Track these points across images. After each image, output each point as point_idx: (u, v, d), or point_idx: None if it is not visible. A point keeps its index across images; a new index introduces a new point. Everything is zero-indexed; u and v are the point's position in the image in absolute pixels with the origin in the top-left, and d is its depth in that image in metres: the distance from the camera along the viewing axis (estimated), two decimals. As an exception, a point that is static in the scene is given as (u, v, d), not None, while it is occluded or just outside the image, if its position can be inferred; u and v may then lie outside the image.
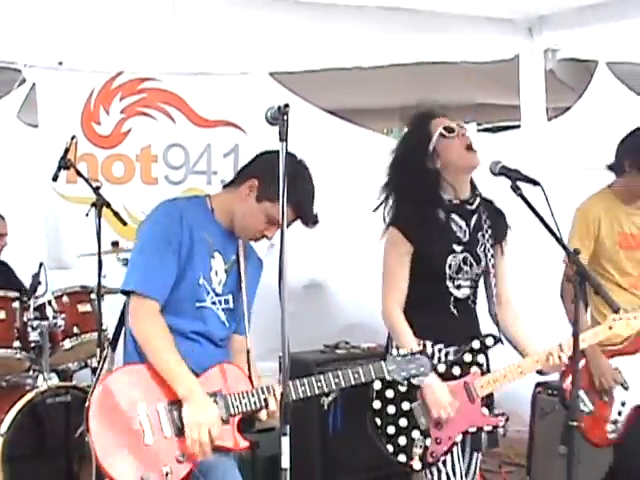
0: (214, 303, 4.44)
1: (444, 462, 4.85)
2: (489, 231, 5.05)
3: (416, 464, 4.79)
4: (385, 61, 9.10)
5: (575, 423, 4.29)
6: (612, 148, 6.36)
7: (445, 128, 4.88)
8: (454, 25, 8.13)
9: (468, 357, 4.89)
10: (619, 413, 5.81)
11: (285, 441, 3.92)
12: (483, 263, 5.05)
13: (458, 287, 4.99)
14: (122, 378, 4.33)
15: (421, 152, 4.91)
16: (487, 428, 4.92)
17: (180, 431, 4.19)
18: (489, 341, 4.93)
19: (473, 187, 5.05)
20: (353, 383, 4.37)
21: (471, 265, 5.01)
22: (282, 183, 3.86)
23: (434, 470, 4.86)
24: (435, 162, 4.89)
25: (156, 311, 4.29)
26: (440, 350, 4.95)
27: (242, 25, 7.52)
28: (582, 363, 5.70)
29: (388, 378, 4.37)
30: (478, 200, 5.05)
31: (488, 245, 5.04)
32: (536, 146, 8.46)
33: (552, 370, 4.95)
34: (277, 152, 4.18)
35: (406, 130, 5.20)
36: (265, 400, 4.30)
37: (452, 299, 5.00)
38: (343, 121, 8.92)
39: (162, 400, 4.21)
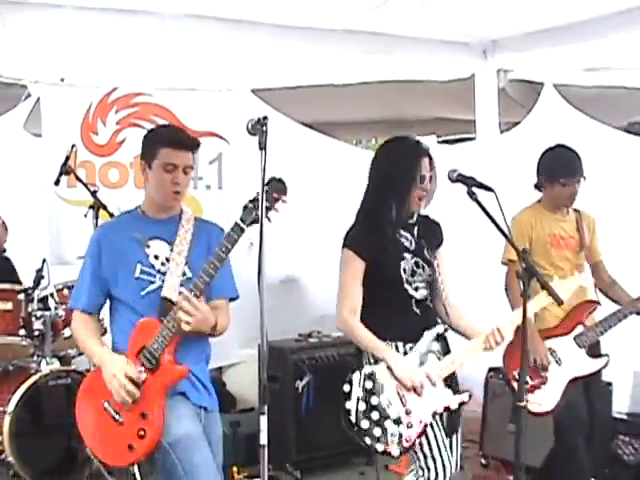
0: (164, 281, 4.47)
1: (429, 446, 4.87)
2: (427, 240, 5.14)
3: (394, 451, 4.75)
4: (355, 79, 9.13)
5: (523, 404, 4.31)
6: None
7: (421, 177, 4.93)
8: (417, 47, 8.13)
9: (423, 347, 4.90)
10: (555, 387, 5.88)
11: (264, 420, 3.93)
12: (432, 265, 5.09)
13: (416, 289, 5.01)
14: (92, 377, 4.61)
15: (397, 181, 4.96)
16: (454, 406, 4.89)
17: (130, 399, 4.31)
18: (440, 329, 4.94)
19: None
20: (223, 256, 4.36)
21: (423, 267, 5.05)
22: (261, 188, 3.86)
23: (420, 455, 4.88)
24: (400, 192, 4.97)
25: (84, 317, 4.62)
26: (411, 348, 4.92)
27: (226, 46, 7.50)
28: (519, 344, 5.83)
29: (246, 227, 4.33)
30: (416, 215, 5.12)
31: (430, 250, 5.12)
32: (489, 157, 8.48)
33: (493, 349, 4.91)
34: (147, 132, 4.67)
35: (399, 151, 5.15)
36: (176, 319, 4.31)
37: (413, 301, 5.01)
38: (317, 133, 8.92)
39: None
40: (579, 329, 6.06)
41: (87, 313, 4.57)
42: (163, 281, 4.47)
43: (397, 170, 4.97)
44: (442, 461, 4.89)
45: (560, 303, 4.66)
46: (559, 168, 6.16)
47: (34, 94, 8.01)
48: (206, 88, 8.50)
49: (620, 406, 7.27)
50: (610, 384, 7.01)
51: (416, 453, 4.89)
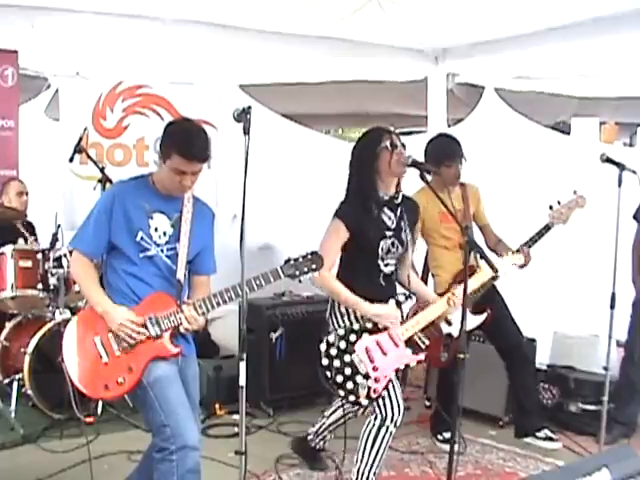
0: (159, 251, 4.39)
1: (387, 389, 4.93)
2: (407, 219, 5.12)
3: (363, 401, 4.87)
4: (326, 78, 9.13)
5: (462, 355, 4.32)
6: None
7: (391, 143, 4.91)
8: (379, 52, 8.11)
9: None
10: (446, 344, 5.94)
11: (242, 365, 3.93)
12: (405, 245, 5.12)
13: (386, 265, 5.06)
14: (83, 319, 4.47)
15: (370, 152, 4.95)
16: (412, 364, 5.04)
17: (124, 349, 4.26)
18: (401, 298, 5.04)
19: (398, 185, 5.07)
20: (256, 288, 4.33)
21: (397, 247, 5.07)
22: (244, 168, 3.83)
23: (380, 399, 4.93)
24: (376, 162, 4.92)
25: (85, 261, 4.45)
26: None
27: (218, 47, 7.51)
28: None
29: (283, 277, 4.35)
30: (401, 196, 5.09)
31: (408, 230, 5.11)
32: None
33: (453, 311, 5.18)
34: (168, 123, 4.54)
35: (365, 133, 5.19)
36: (180, 318, 4.31)
37: (381, 274, 5.07)
38: (293, 123, 8.89)
39: (110, 329, 4.30)
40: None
41: (88, 257, 4.43)
42: (157, 251, 4.39)
43: (369, 146, 4.99)
44: (397, 400, 4.96)
45: (496, 271, 4.70)
46: (442, 153, 6.16)
47: (54, 85, 8.08)
48: (200, 82, 8.51)
49: (542, 359, 7.32)
50: (534, 340, 7.04)
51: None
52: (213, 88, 8.47)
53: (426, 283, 6.25)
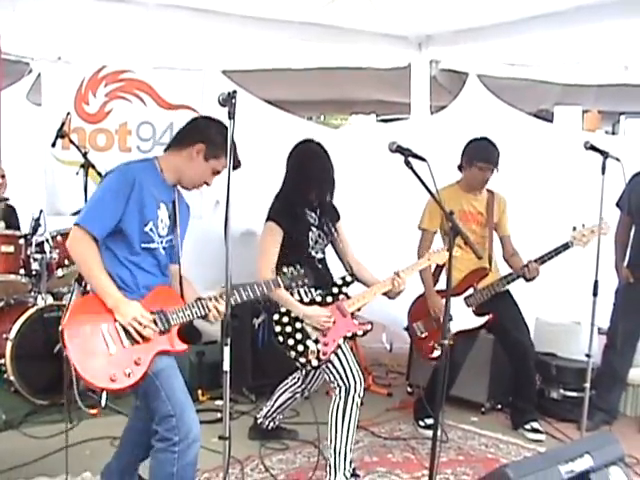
0: (159, 243, 4.34)
1: (341, 362, 5.37)
2: (329, 217, 5.76)
3: (313, 362, 5.32)
4: (310, 64, 9.13)
5: (446, 342, 4.34)
6: (476, 136, 6.43)
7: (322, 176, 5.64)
8: (362, 39, 8.09)
9: (335, 290, 5.52)
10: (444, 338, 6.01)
11: (226, 350, 3.91)
12: (330, 235, 5.74)
13: (317, 252, 5.68)
14: (87, 304, 4.26)
15: (308, 175, 5.62)
16: (359, 332, 5.48)
17: (134, 341, 4.14)
18: (348, 278, 5.56)
19: None
20: (259, 295, 4.52)
21: (323, 238, 5.71)
22: (229, 150, 3.81)
23: (335, 374, 5.37)
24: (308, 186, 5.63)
25: (90, 241, 4.14)
26: (315, 290, 5.51)
27: (201, 32, 7.47)
28: (421, 301, 6.45)
29: (280, 283, 4.65)
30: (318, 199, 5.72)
31: (330, 225, 5.75)
32: (421, 134, 8.43)
33: (397, 290, 5.44)
34: (210, 120, 4.44)
35: (309, 154, 5.72)
36: (207, 308, 4.34)
37: (316, 260, 5.65)
38: (276, 109, 8.85)
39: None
40: (470, 291, 6.31)
41: (92, 237, 4.14)
42: (159, 243, 4.34)
43: (307, 169, 5.62)
44: (356, 370, 5.39)
45: (480, 257, 4.82)
46: (479, 154, 6.33)
47: (36, 70, 8.11)
48: (182, 68, 8.48)
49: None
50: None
51: (332, 374, 5.39)
52: (196, 73, 8.42)
53: (437, 280, 6.42)
